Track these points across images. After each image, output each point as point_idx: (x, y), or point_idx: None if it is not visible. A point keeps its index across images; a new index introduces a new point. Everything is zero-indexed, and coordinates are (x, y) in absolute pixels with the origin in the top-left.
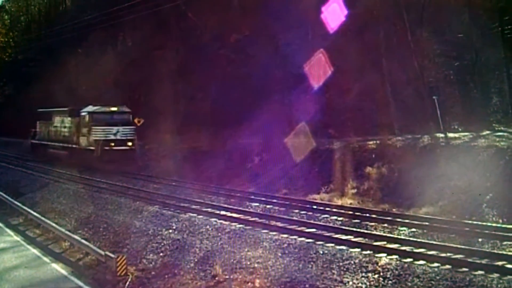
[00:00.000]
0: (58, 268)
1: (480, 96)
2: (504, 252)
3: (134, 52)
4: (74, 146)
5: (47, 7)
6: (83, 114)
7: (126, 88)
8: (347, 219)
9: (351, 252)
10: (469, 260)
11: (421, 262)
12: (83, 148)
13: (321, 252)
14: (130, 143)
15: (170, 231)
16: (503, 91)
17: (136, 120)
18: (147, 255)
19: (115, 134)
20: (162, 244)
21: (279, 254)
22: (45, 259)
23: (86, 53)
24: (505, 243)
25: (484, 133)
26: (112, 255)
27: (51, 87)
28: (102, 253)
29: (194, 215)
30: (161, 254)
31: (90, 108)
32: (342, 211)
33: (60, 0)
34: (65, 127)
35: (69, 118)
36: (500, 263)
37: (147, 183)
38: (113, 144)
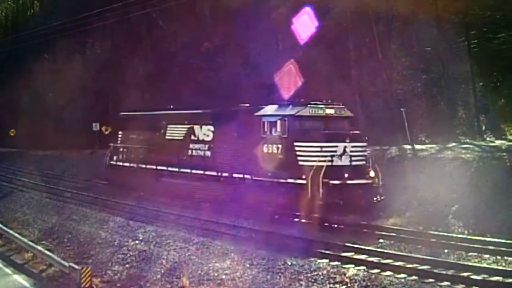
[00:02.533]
0: (20, 279)
1: (446, 108)
2: (469, 263)
3: (103, 59)
4: (240, 175)
5: (15, 12)
6: (268, 119)
7: (94, 96)
8: (314, 230)
9: (319, 263)
10: (435, 271)
11: (388, 273)
12: (269, 181)
13: (289, 263)
14: (371, 173)
15: (137, 242)
16: (469, 104)
17: (103, 128)
18: (113, 267)
19: (340, 157)
20: (128, 255)
21: (247, 265)
22: (7, 270)
23: (53, 60)
24: (470, 254)
25: (450, 145)
26: (76, 266)
27: (16, 93)
28: (66, 264)
29: (162, 226)
30: (127, 265)
31: (283, 109)
32: (311, 222)
33: (27, 5)
34: (201, 141)
35: (210, 127)
36: (465, 274)
37: (113, 193)
38: (346, 175)
